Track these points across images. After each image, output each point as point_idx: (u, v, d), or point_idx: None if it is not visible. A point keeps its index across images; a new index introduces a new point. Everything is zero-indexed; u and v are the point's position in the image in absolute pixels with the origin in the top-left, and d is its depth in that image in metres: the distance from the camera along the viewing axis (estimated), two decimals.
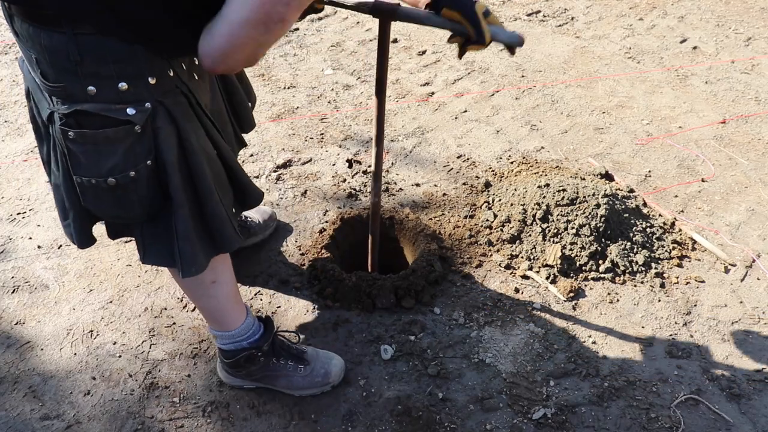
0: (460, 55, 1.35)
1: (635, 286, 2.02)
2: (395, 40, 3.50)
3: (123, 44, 1.04)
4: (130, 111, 1.09)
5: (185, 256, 1.27)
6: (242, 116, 1.63)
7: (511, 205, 2.20)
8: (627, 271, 2.05)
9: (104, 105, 1.08)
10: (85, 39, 1.02)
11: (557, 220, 2.11)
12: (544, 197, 2.16)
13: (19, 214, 2.25)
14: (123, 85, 1.07)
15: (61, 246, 2.11)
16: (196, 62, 1.25)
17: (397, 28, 3.55)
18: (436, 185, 2.42)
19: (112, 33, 1.02)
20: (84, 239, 1.33)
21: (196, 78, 1.25)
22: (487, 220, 2.19)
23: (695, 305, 1.97)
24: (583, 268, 2.04)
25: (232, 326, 1.54)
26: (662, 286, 2.02)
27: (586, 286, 2.01)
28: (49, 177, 1.29)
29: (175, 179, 1.19)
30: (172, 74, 1.14)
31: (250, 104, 1.68)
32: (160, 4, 1.03)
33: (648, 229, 2.18)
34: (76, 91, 1.07)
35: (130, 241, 2.12)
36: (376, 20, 1.43)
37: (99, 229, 1.37)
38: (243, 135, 1.69)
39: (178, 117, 1.16)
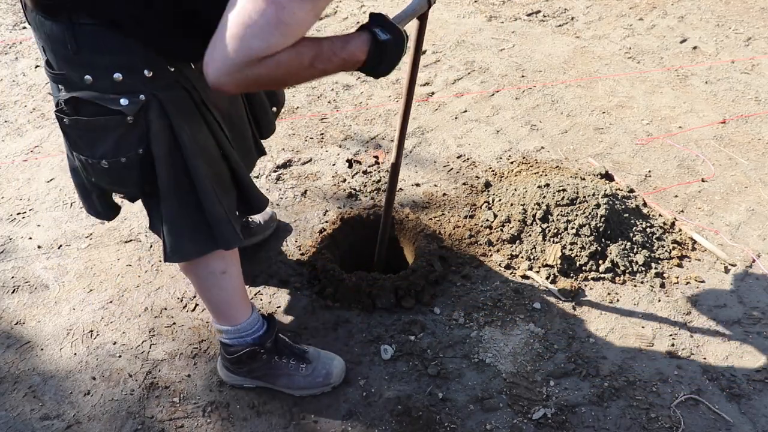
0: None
1: (635, 286, 2.02)
2: None
3: (119, 37, 1.08)
4: (123, 101, 1.13)
5: (168, 244, 1.32)
6: (261, 121, 1.63)
7: (511, 205, 2.20)
8: (627, 271, 2.05)
9: (99, 94, 1.12)
10: (83, 29, 1.06)
11: (557, 220, 2.11)
12: (544, 197, 2.16)
13: (19, 214, 2.25)
14: (118, 76, 1.11)
15: (61, 246, 2.11)
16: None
17: None
18: (436, 185, 2.42)
19: (106, 25, 1.06)
20: (109, 210, 1.41)
21: None
22: (487, 220, 2.19)
23: (695, 305, 1.97)
24: (583, 268, 2.04)
25: (238, 320, 1.55)
26: (662, 286, 2.02)
27: (586, 286, 2.01)
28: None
29: (163, 173, 1.23)
30: (173, 70, 1.17)
31: (275, 108, 1.68)
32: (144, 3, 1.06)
33: (648, 229, 2.18)
34: (75, 79, 1.12)
35: (130, 242, 2.12)
36: None
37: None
38: (263, 141, 1.67)
39: (173, 112, 1.19)
